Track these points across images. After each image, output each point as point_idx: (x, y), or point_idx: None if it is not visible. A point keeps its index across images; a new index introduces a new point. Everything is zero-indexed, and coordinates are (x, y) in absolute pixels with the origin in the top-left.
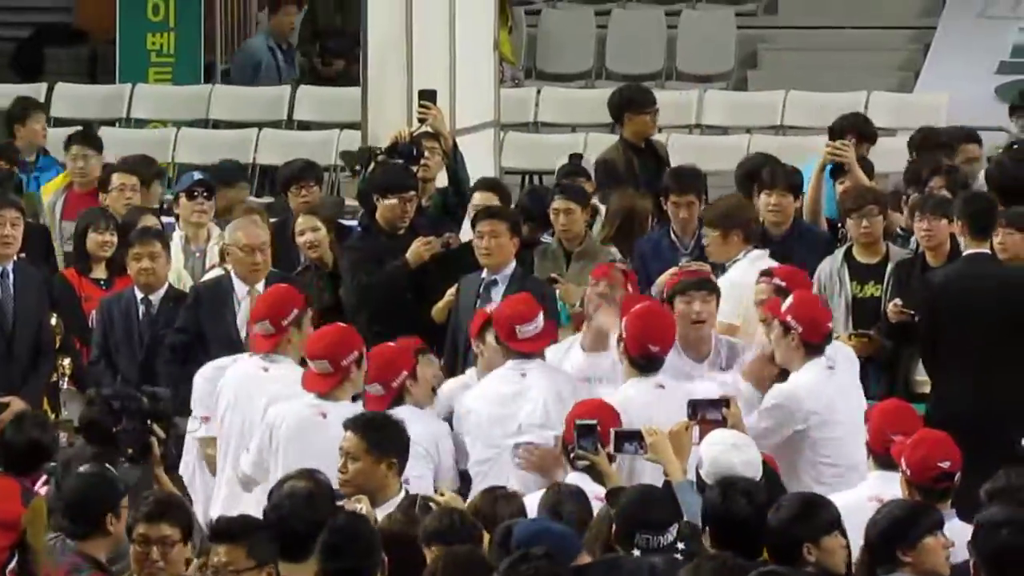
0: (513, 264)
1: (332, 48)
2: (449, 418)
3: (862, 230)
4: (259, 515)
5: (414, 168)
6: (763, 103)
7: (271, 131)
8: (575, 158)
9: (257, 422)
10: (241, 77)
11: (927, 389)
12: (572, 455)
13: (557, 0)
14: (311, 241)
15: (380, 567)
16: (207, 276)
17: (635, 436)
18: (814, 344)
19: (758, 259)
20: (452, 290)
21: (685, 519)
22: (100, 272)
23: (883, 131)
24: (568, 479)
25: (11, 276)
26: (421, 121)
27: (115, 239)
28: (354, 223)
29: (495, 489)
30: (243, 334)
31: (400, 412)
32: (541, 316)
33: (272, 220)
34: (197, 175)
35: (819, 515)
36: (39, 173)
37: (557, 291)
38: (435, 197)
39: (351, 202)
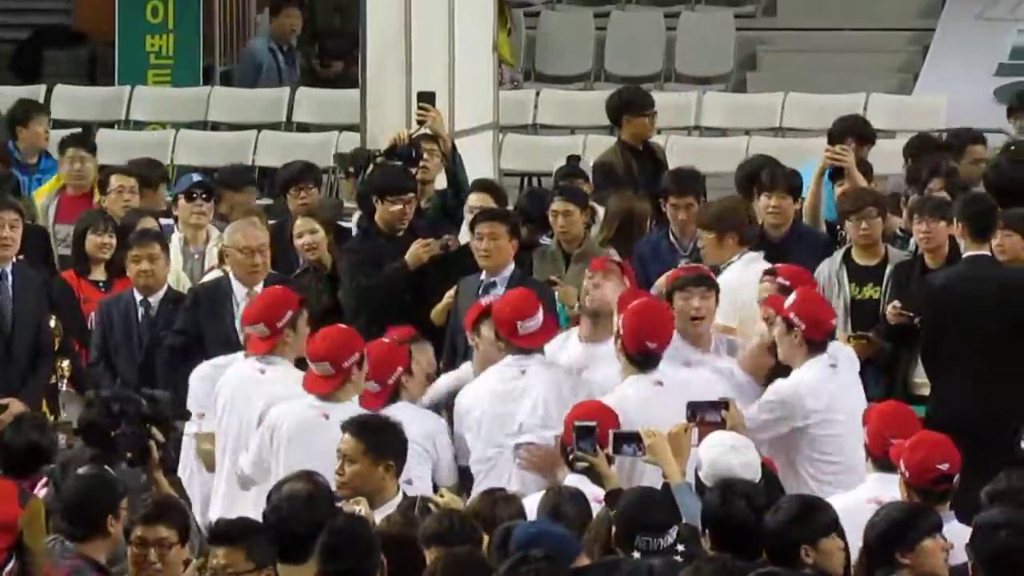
0: (512, 266)
1: (331, 50)
2: (439, 407)
3: (861, 232)
4: (256, 514)
5: (413, 170)
6: (762, 105)
7: (270, 133)
8: (572, 160)
9: (254, 423)
10: (243, 79)
11: (926, 391)
12: (571, 457)
13: (556, 2)
14: (309, 243)
15: (379, 569)
16: (206, 278)
17: (633, 438)
18: (817, 342)
19: (752, 261)
20: (451, 292)
21: (684, 521)
22: (99, 274)
23: (882, 133)
24: (567, 481)
25: (10, 278)
26: (420, 123)
27: (114, 241)
28: (350, 225)
29: (494, 491)
30: (242, 336)
31: (397, 409)
32: (541, 311)
33: (271, 222)
34: (196, 177)
35: (817, 517)
36: (41, 175)
37: (556, 293)
38: (434, 199)
39: (348, 203)
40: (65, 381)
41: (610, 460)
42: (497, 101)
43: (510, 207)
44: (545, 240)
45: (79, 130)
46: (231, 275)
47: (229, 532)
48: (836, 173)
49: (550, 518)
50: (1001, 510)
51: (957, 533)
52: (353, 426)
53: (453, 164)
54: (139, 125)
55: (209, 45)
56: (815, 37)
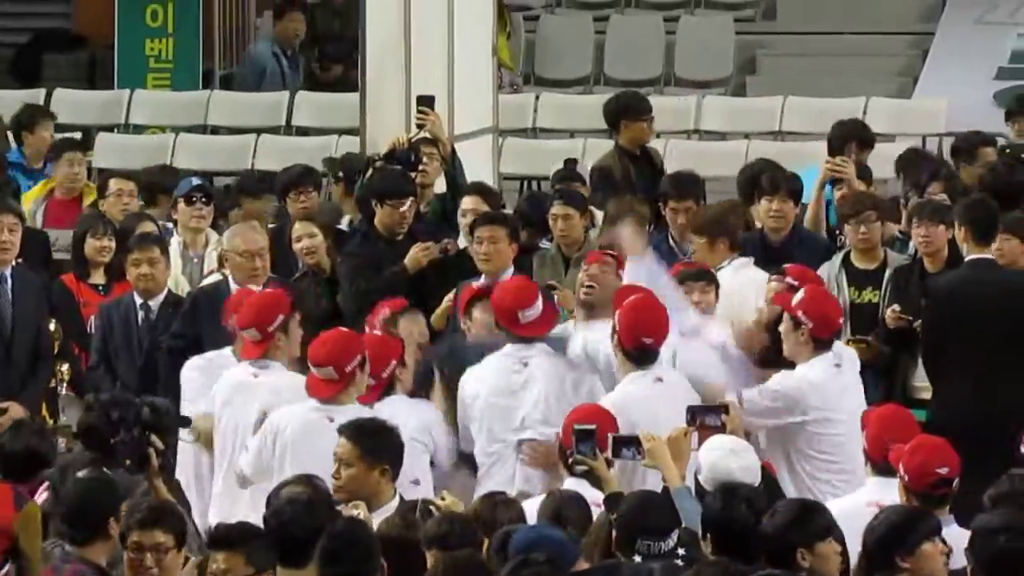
0: (511, 270)
1: (330, 53)
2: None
3: (860, 236)
4: (253, 511)
5: (412, 174)
6: (762, 109)
7: (269, 137)
8: (570, 163)
9: (250, 427)
10: (247, 83)
11: (925, 395)
12: (570, 460)
13: (556, 6)
14: (308, 247)
15: (379, 572)
16: (205, 281)
17: (633, 441)
18: (823, 340)
19: (743, 267)
20: (450, 296)
21: (683, 525)
22: (98, 277)
23: (881, 137)
24: (566, 484)
25: (9, 281)
26: (419, 127)
27: (113, 244)
28: (342, 226)
29: (495, 495)
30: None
31: (391, 402)
32: (541, 299)
33: (270, 226)
34: (195, 181)
35: (813, 521)
36: (47, 180)
37: (556, 297)
38: (433, 203)
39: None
40: (64, 385)
41: (609, 464)
42: (496, 105)
43: (504, 210)
44: (545, 244)
45: (75, 135)
46: (230, 279)
47: (229, 536)
48: (836, 179)
49: (551, 522)
50: (999, 514)
51: (956, 537)
52: (349, 430)
53: (453, 168)
54: (138, 129)
55: (209, 49)
56: (814, 41)
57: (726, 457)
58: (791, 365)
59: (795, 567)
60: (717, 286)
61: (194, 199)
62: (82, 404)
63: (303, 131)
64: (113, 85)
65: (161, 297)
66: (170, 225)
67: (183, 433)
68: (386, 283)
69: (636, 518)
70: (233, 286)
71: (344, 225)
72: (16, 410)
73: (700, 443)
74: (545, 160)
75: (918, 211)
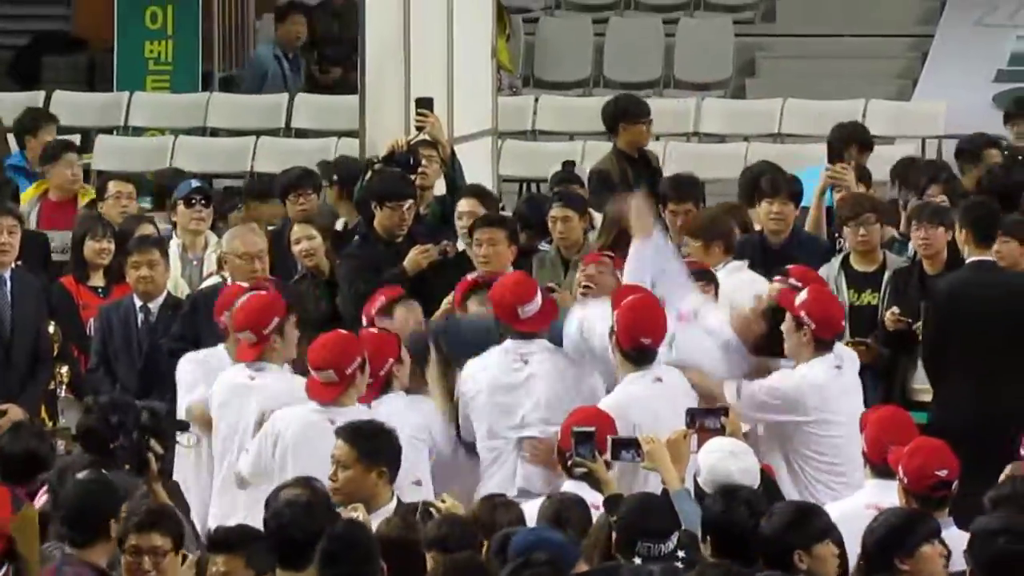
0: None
1: (330, 56)
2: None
3: (859, 238)
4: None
5: (412, 176)
6: (761, 111)
7: (269, 139)
8: (568, 165)
9: (248, 428)
10: (249, 86)
11: (924, 397)
12: (569, 463)
13: (555, 8)
14: (307, 249)
15: (379, 574)
16: (205, 284)
17: (632, 444)
18: (825, 341)
19: (736, 270)
20: (449, 298)
21: (683, 528)
22: (98, 280)
23: (881, 139)
24: (565, 487)
25: (9, 284)
26: (419, 129)
27: (112, 247)
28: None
29: (494, 497)
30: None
31: (389, 400)
32: (540, 293)
33: (269, 228)
34: (195, 183)
35: (811, 523)
36: None
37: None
38: (433, 205)
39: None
40: (64, 387)
41: (608, 466)
42: (496, 107)
43: (503, 212)
44: (544, 246)
45: (74, 137)
46: (230, 281)
47: (228, 539)
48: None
49: (551, 524)
50: (998, 516)
51: (956, 539)
52: (346, 432)
53: (452, 170)
54: (138, 131)
55: (208, 51)
56: (814, 43)
57: (725, 459)
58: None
59: (792, 569)
60: (717, 285)
61: (193, 201)
62: (81, 406)
63: (302, 133)
64: (112, 87)
65: (160, 299)
66: (169, 227)
67: (181, 438)
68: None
69: (636, 520)
70: None
71: (339, 227)
72: (15, 412)
73: (699, 445)
74: (544, 162)
75: (917, 213)
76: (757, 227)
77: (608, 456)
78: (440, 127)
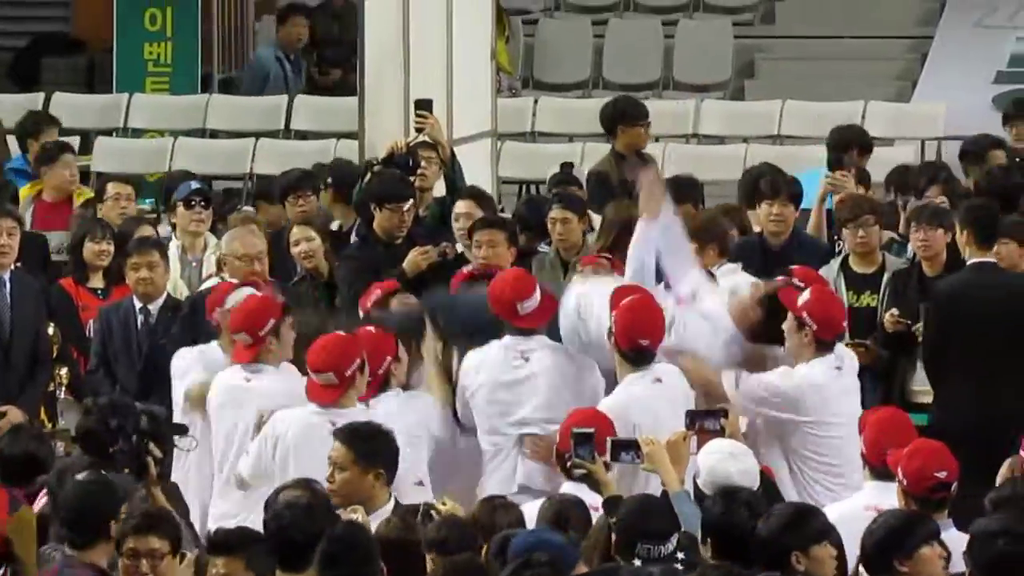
0: None
1: (329, 57)
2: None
3: (858, 240)
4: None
5: (411, 178)
6: (760, 113)
7: (268, 141)
8: (566, 166)
9: (247, 430)
10: (250, 88)
11: (923, 399)
12: (569, 464)
13: (554, 10)
14: (306, 251)
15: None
16: (204, 285)
17: (632, 445)
18: (826, 342)
19: (730, 272)
20: None
21: (683, 529)
22: (97, 281)
23: (880, 141)
24: (564, 488)
25: (8, 285)
26: (418, 130)
27: (112, 248)
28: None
29: (494, 498)
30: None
31: (387, 398)
32: (539, 290)
33: (268, 230)
34: (194, 184)
35: (809, 524)
36: None
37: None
38: (432, 207)
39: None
40: (63, 389)
41: (608, 467)
42: (495, 109)
43: (503, 214)
44: (543, 248)
45: (71, 138)
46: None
47: (228, 542)
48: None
49: (551, 526)
50: (998, 518)
51: (955, 541)
52: (343, 434)
53: (452, 172)
54: (137, 133)
55: (207, 53)
56: (813, 45)
57: (725, 461)
58: (781, 340)
59: (790, 570)
60: (716, 283)
61: (193, 203)
62: (81, 408)
63: (302, 135)
64: (112, 89)
65: (160, 301)
66: (169, 229)
67: (179, 442)
68: None
69: (635, 522)
70: None
71: (335, 227)
72: (14, 414)
73: (699, 447)
74: (544, 164)
75: (916, 215)
76: (757, 229)
77: (607, 457)
78: (439, 129)
